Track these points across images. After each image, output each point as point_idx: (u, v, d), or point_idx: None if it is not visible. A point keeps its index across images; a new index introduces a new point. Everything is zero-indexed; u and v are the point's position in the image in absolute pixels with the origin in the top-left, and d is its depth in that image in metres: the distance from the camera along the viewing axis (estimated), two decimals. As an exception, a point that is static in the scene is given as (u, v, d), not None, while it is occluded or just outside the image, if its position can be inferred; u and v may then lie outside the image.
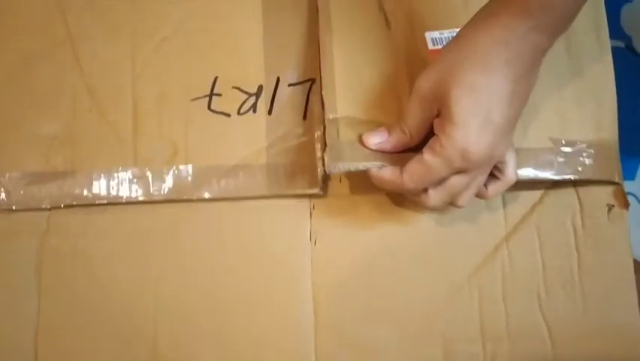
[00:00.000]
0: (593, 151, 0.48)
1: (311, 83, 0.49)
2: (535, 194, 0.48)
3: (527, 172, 0.46)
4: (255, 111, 0.48)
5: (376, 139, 0.44)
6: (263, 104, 0.48)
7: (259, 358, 0.46)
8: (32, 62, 0.49)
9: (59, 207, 0.47)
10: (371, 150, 0.43)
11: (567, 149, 0.47)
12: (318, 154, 0.47)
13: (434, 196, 0.42)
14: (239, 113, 0.48)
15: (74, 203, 0.47)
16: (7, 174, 0.47)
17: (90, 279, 0.47)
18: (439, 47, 0.48)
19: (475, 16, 0.40)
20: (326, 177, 0.47)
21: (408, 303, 0.47)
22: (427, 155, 0.40)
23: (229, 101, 0.48)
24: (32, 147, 0.48)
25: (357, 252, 0.48)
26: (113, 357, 0.46)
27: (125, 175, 0.47)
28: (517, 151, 0.43)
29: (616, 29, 0.64)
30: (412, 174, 0.41)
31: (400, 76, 0.47)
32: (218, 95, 0.49)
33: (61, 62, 0.49)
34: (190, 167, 0.47)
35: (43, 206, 0.47)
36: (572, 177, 0.47)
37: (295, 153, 0.47)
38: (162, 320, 0.46)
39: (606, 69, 0.49)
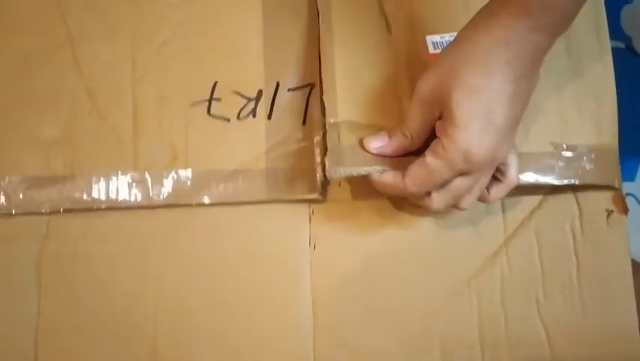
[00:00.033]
0: (593, 156, 0.48)
1: (311, 88, 0.49)
2: (535, 199, 0.49)
3: (528, 177, 0.46)
4: (254, 116, 0.48)
5: (377, 143, 0.44)
6: (262, 108, 0.48)
7: (259, 359, 0.46)
8: (32, 63, 0.49)
9: (59, 212, 0.47)
10: (372, 154, 0.43)
11: (568, 153, 0.47)
12: (318, 159, 0.47)
13: (437, 199, 0.42)
14: (238, 117, 0.48)
15: (74, 207, 0.47)
16: (7, 178, 0.47)
17: (90, 282, 0.47)
18: (440, 50, 0.48)
19: (474, 17, 0.40)
20: (325, 182, 0.47)
21: (407, 306, 0.47)
22: (429, 158, 0.40)
23: (229, 105, 0.48)
24: (32, 151, 0.48)
25: (356, 256, 0.48)
26: (112, 358, 0.46)
27: (125, 179, 0.47)
28: (519, 155, 0.43)
29: (616, 30, 0.63)
30: (415, 177, 0.40)
31: (401, 79, 0.47)
32: (218, 99, 0.48)
33: (60, 64, 0.49)
34: (189, 171, 0.47)
35: (43, 210, 0.47)
36: (572, 181, 0.47)
37: (294, 158, 0.47)
38: (162, 321, 0.47)
39: (606, 70, 0.49)
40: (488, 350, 0.47)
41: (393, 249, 0.48)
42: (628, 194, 0.62)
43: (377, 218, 0.48)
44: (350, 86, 0.47)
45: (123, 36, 0.50)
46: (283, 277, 0.47)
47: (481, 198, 0.44)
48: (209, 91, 0.48)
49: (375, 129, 0.45)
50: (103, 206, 0.47)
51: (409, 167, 0.41)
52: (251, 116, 0.48)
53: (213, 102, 0.48)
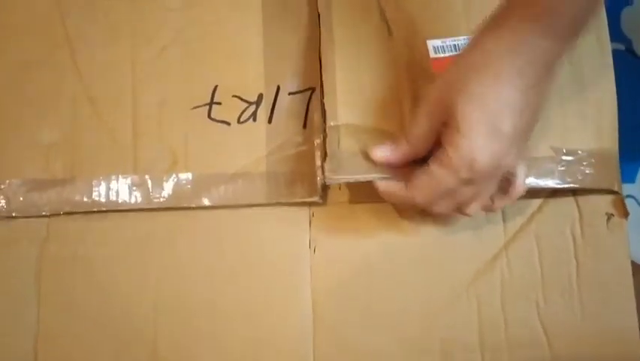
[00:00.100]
0: (593, 160, 0.47)
1: (311, 92, 0.49)
2: (535, 203, 0.48)
3: (528, 180, 0.46)
4: (255, 120, 0.48)
5: (382, 152, 0.43)
6: (263, 112, 0.48)
7: (258, 361, 0.47)
8: (31, 65, 0.49)
9: (59, 214, 0.47)
10: (372, 161, 0.43)
11: (568, 157, 0.47)
12: (318, 162, 0.47)
13: (441, 205, 0.42)
14: (239, 121, 0.48)
15: (74, 210, 0.47)
16: (7, 181, 0.47)
17: (90, 285, 0.47)
18: (441, 54, 0.48)
19: (483, 26, 0.39)
20: (325, 186, 0.47)
21: (407, 309, 0.47)
22: (433, 166, 0.40)
23: (229, 109, 0.48)
24: (32, 154, 0.48)
25: (356, 259, 0.48)
26: (112, 361, 0.46)
27: (125, 182, 0.47)
28: (519, 159, 0.44)
29: (616, 32, 0.63)
30: (420, 186, 0.40)
31: (402, 83, 0.47)
32: (218, 103, 0.48)
33: (60, 66, 0.49)
34: (190, 175, 0.47)
35: (43, 213, 0.47)
36: (572, 185, 0.47)
37: (295, 162, 0.47)
38: (162, 324, 0.47)
39: (606, 72, 0.49)
40: (488, 353, 0.47)
41: (393, 252, 0.48)
42: (628, 196, 0.62)
43: (377, 221, 0.48)
44: (350, 89, 0.47)
45: (123, 39, 0.50)
46: (283, 279, 0.47)
47: (485, 208, 0.44)
48: (210, 95, 0.48)
49: (376, 133, 0.45)
50: (103, 208, 0.47)
51: (414, 176, 0.41)
52: (251, 119, 0.48)
53: (214, 106, 0.48)
